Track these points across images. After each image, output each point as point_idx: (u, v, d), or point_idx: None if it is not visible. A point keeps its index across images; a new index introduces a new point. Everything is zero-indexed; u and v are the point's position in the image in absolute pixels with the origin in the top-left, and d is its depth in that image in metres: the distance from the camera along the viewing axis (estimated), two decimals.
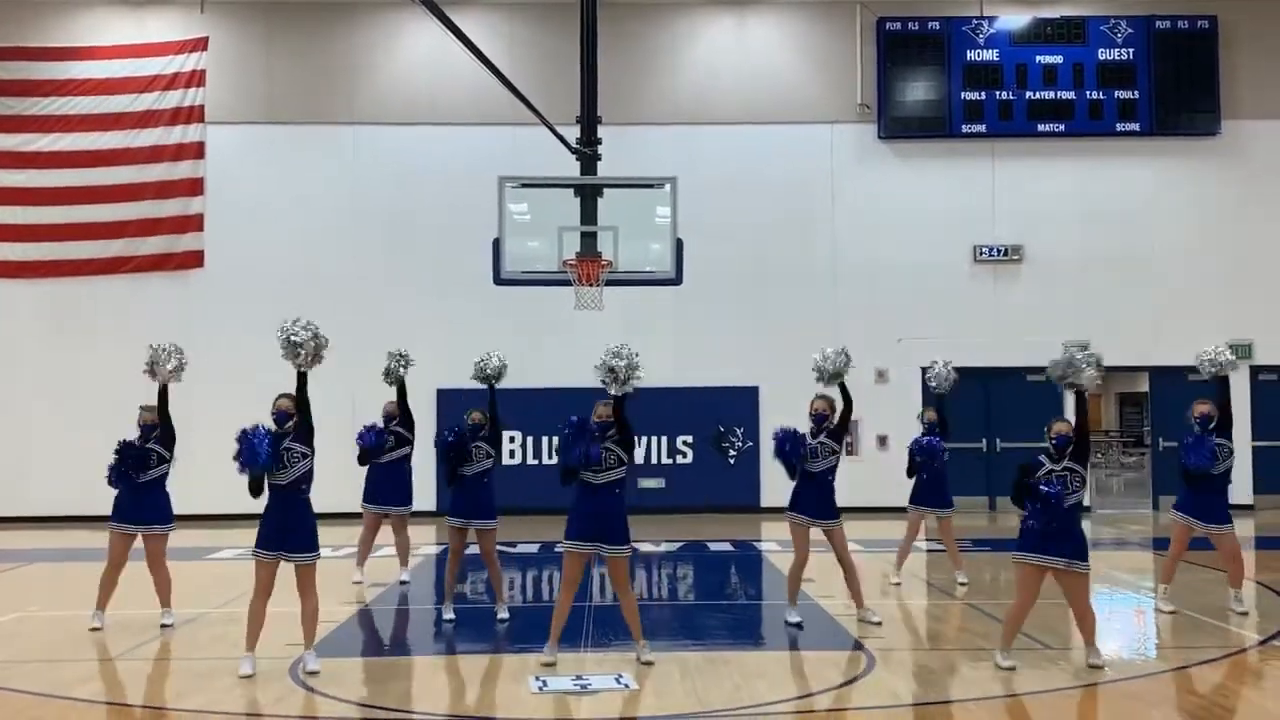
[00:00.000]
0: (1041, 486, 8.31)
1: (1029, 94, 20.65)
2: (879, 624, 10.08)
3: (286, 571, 8.65)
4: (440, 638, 10.54)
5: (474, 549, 10.84)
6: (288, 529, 8.54)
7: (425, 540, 16.64)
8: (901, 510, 13.05)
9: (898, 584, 12.55)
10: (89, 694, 8.21)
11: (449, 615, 10.74)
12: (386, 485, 12.66)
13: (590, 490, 8.74)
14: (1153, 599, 11.06)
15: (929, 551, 15.31)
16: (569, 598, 8.91)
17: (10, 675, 8.57)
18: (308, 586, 8.69)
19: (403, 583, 12.78)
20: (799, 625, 10.17)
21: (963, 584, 12.29)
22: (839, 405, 10.24)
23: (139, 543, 10.36)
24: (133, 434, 10.37)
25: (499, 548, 11.14)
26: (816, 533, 10.17)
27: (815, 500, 10.18)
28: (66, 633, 10.15)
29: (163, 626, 10.26)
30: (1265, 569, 14.06)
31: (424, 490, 18.55)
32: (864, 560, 14.45)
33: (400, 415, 12.65)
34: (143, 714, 7.75)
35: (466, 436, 10.59)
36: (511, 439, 19.95)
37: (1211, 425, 10.53)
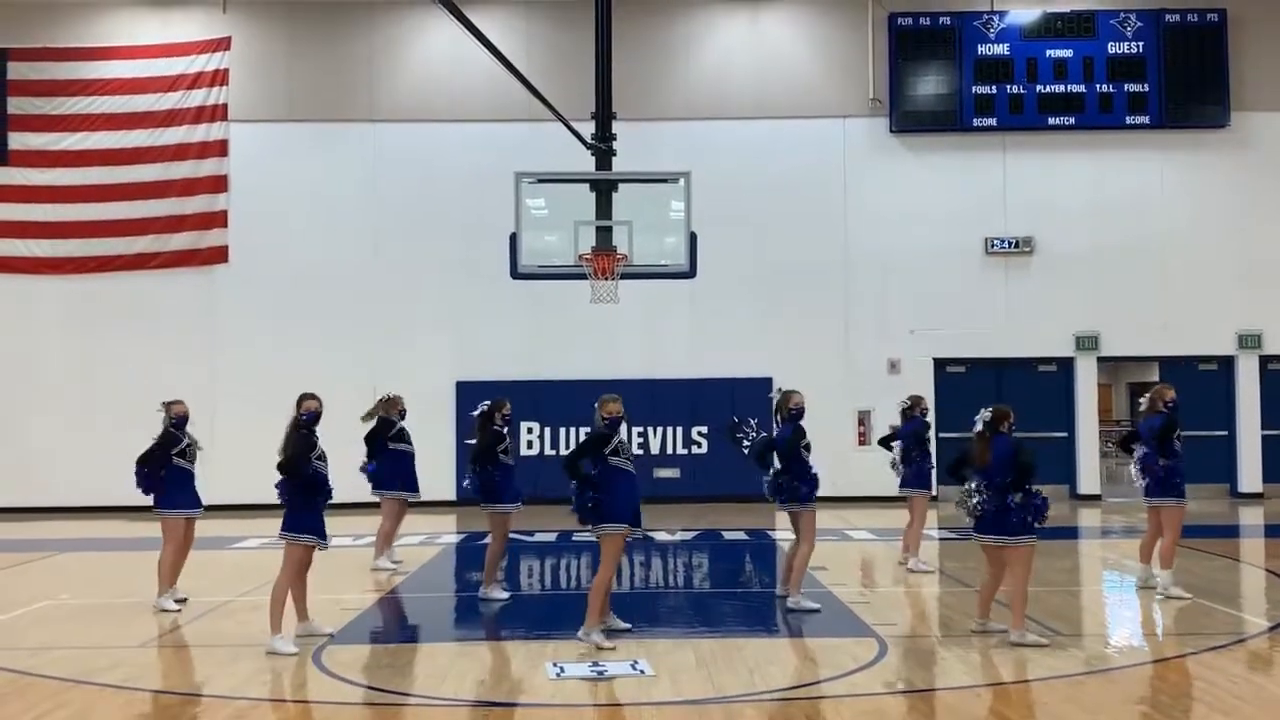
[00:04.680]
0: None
1: (1039, 88, 20.72)
2: (818, 610, 10.38)
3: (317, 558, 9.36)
4: (458, 624, 10.78)
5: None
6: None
7: (445, 529, 16.89)
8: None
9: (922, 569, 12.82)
10: (117, 680, 8.37)
11: (499, 595, 11.16)
12: (404, 473, 13.16)
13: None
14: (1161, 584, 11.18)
15: (941, 540, 15.46)
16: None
17: (40, 662, 8.77)
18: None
19: (395, 562, 13.23)
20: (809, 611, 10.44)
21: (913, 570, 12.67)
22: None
23: (148, 530, 11.36)
24: (153, 428, 10.91)
25: (511, 534, 11.60)
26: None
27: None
28: (95, 620, 10.39)
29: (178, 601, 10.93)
30: (1274, 557, 14.17)
31: (444, 480, 18.87)
32: (879, 548, 14.66)
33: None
34: (170, 699, 7.91)
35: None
36: (529, 429, 20.18)
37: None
